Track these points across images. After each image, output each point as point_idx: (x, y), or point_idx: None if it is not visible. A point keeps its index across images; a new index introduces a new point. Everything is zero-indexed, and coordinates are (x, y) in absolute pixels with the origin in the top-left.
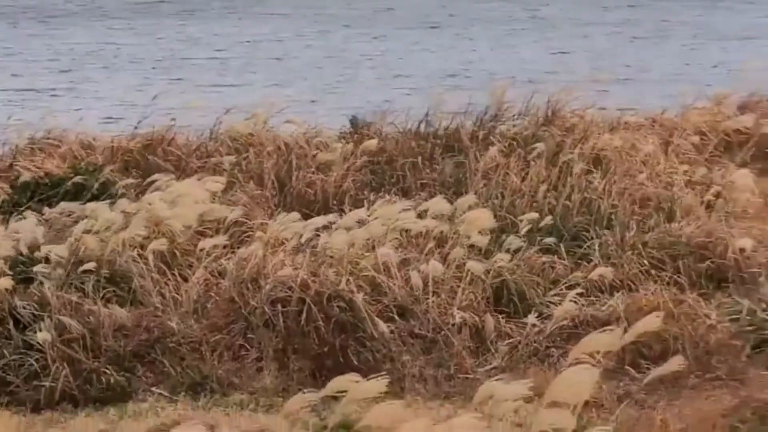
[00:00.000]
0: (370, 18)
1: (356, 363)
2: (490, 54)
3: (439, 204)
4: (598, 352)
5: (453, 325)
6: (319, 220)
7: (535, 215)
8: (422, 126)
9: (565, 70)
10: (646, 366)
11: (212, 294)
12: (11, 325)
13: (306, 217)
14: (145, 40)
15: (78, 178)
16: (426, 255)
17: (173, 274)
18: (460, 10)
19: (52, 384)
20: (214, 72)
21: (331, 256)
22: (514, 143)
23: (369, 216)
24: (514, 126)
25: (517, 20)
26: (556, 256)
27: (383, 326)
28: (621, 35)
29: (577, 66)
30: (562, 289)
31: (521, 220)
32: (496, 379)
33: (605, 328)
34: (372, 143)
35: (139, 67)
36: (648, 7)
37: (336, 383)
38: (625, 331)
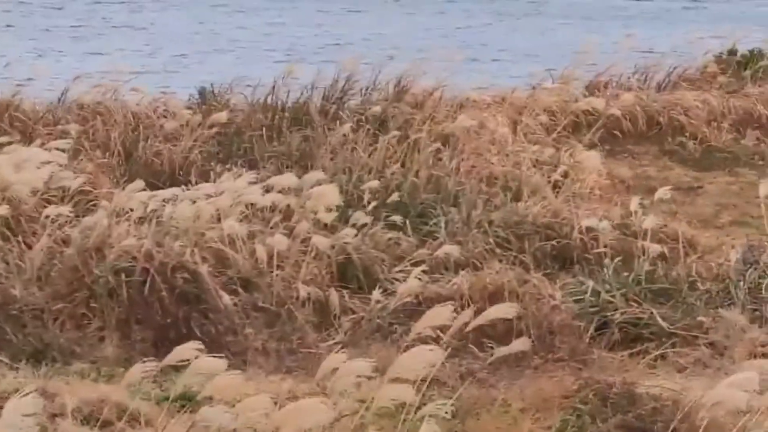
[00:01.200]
0: None
1: (199, 334)
2: (352, 30)
3: (285, 178)
4: (441, 330)
5: (297, 299)
6: (165, 191)
7: (376, 183)
8: (270, 99)
9: (423, 46)
10: (489, 345)
11: (56, 262)
12: None
13: (152, 187)
14: (8, 6)
15: None
16: (272, 229)
17: (17, 241)
18: None
19: None
20: (72, 40)
21: (177, 227)
22: (363, 119)
23: (216, 188)
24: (363, 101)
25: None
26: (401, 232)
27: (227, 298)
28: (484, 13)
29: (436, 43)
30: (407, 266)
31: (366, 192)
32: (339, 353)
33: (445, 302)
34: (221, 115)
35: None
36: None
37: (177, 353)
38: (469, 308)
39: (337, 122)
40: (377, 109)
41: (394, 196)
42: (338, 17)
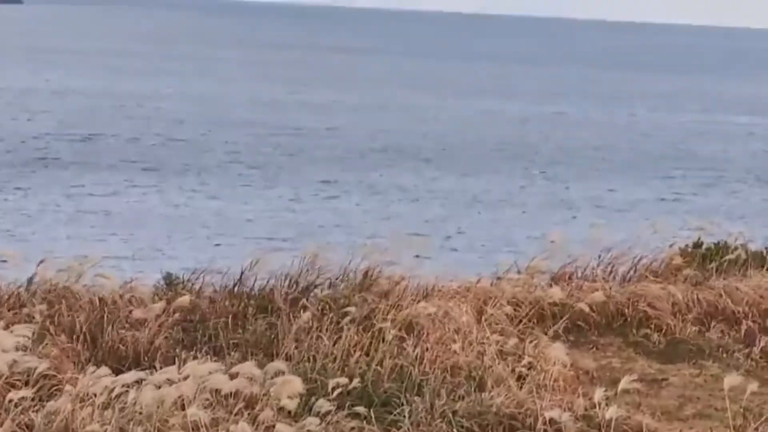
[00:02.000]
0: (209, 174)
1: None
2: (327, 216)
3: (249, 367)
4: None
5: None
6: (130, 377)
7: (345, 380)
8: (237, 286)
9: (394, 234)
10: None
11: None
12: None
13: (117, 372)
14: None
15: None
16: (235, 416)
17: None
18: (295, 173)
19: None
20: (47, 223)
21: (140, 413)
22: (328, 307)
23: (180, 374)
24: (330, 289)
25: (346, 183)
26: (365, 421)
27: None
28: (458, 201)
29: (411, 230)
30: None
31: (330, 384)
32: None
33: None
34: (185, 300)
35: None
36: (498, 176)
37: None
38: None
39: (302, 310)
40: (342, 297)
41: (358, 385)
42: (314, 203)
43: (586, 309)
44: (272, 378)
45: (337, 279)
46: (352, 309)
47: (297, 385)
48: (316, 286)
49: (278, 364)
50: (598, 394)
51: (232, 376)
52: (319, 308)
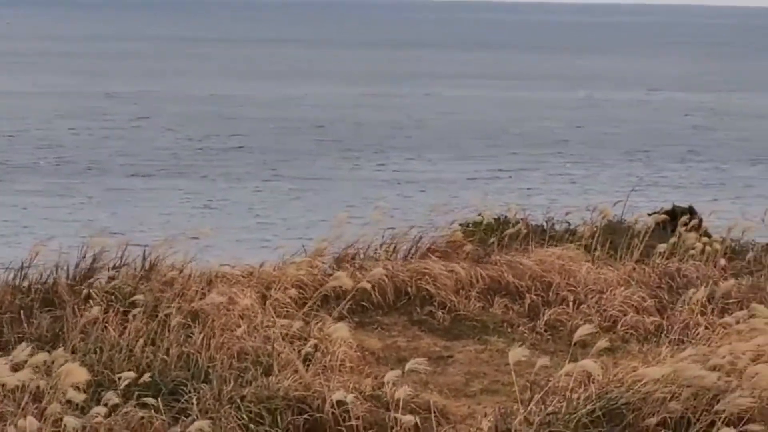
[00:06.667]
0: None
1: None
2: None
3: (35, 358)
4: None
5: None
6: None
7: (126, 362)
8: (18, 279)
9: (171, 226)
10: None
11: None
12: None
13: None
14: None
15: None
16: (23, 410)
17: None
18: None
19: None
20: None
21: None
22: (113, 297)
23: None
24: (113, 279)
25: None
26: (154, 410)
27: None
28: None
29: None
30: None
31: (119, 376)
32: None
33: None
34: None
35: None
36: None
37: None
38: None
39: (90, 302)
40: (127, 287)
41: (146, 376)
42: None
43: (367, 285)
44: (58, 368)
45: (116, 268)
46: (140, 297)
47: (80, 373)
48: (98, 276)
49: (61, 352)
50: (388, 374)
51: (17, 369)
52: (105, 299)
